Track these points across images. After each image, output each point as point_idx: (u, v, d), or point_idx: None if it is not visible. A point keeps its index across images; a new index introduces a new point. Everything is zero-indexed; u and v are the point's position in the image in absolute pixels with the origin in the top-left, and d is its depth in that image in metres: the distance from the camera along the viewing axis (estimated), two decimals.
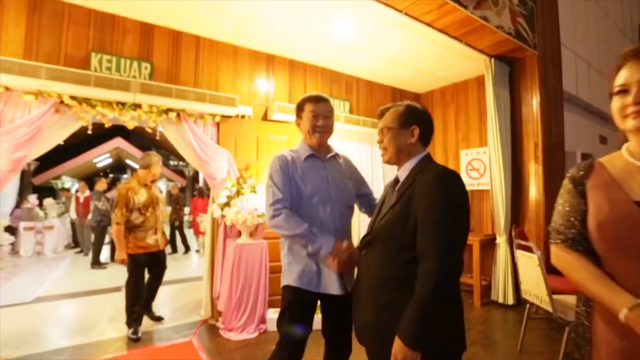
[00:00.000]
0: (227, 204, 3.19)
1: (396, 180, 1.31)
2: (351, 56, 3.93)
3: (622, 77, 0.91)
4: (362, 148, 4.46)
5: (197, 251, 7.99)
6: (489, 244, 4.15)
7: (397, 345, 1.02)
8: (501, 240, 3.89)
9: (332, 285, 1.54)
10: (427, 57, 3.91)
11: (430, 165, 1.22)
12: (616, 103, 0.92)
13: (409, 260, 1.12)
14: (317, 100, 1.65)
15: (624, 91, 0.90)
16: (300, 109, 1.69)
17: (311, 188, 1.58)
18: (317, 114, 1.63)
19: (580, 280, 0.92)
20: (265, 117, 3.75)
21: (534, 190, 3.87)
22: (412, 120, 1.29)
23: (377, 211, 1.35)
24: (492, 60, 3.77)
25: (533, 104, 3.90)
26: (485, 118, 4.52)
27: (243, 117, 3.55)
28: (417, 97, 5.25)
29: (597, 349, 0.91)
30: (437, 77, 4.58)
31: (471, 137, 4.68)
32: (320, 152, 1.69)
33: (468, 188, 5.11)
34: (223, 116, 3.37)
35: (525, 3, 3.64)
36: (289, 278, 1.60)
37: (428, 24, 3.09)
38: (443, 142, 5.02)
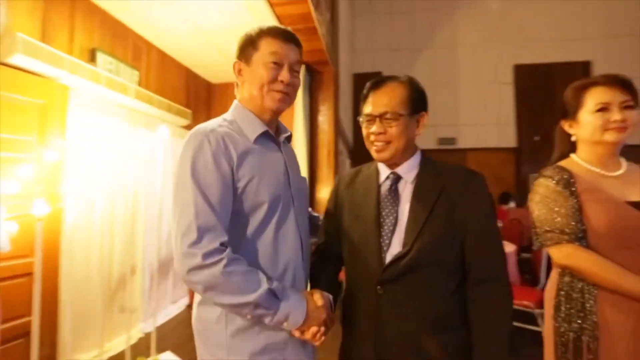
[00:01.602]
0: None
1: (396, 178, 0.98)
2: (153, 6, 2.77)
3: (599, 97, 1.07)
4: (156, 139, 3.29)
5: None
6: None
7: None
8: None
9: (302, 354, 0.93)
10: None
11: (441, 163, 1.00)
12: (597, 119, 1.06)
13: (454, 290, 0.93)
14: (284, 36, 0.94)
15: (603, 109, 1.06)
16: (250, 44, 0.94)
17: (270, 195, 0.89)
18: (282, 60, 0.92)
19: (604, 274, 1.01)
20: None
21: (325, 192, 4.36)
22: (421, 105, 0.98)
23: (394, 226, 0.94)
24: (303, 66, 3.92)
25: (328, 115, 4.40)
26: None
27: None
28: (210, 87, 4.69)
29: (607, 333, 1.01)
30: None
31: None
32: (272, 127, 1.00)
33: None
34: None
35: (332, 23, 4.05)
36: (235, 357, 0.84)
37: (271, 4, 2.75)
38: None
